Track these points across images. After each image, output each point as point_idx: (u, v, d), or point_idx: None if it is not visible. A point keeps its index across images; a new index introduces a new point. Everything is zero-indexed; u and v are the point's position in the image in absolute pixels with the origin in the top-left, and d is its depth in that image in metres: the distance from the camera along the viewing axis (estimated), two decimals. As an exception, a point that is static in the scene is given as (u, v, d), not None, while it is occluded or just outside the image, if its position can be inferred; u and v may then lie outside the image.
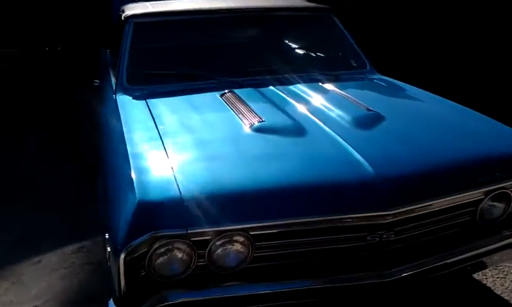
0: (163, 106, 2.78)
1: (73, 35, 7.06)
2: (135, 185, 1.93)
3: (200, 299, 1.89)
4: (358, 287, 2.00)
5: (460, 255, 2.19)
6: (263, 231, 1.92)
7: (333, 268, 2.04)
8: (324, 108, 2.64)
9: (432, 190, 2.06)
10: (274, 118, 2.49)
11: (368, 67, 3.58)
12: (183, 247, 1.85)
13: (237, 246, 1.91)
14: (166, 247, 1.83)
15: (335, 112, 2.57)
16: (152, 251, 1.80)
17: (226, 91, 2.90)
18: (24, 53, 6.97)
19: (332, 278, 1.99)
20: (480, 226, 2.26)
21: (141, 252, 1.79)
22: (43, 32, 7.07)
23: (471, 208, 2.20)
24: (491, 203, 2.23)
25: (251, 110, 2.56)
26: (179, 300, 1.84)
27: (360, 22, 6.26)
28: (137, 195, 1.86)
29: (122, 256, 1.74)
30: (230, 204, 1.90)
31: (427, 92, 3.10)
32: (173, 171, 2.01)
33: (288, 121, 2.45)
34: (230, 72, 3.24)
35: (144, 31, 3.40)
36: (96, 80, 3.97)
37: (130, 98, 2.95)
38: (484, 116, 2.66)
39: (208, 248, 1.86)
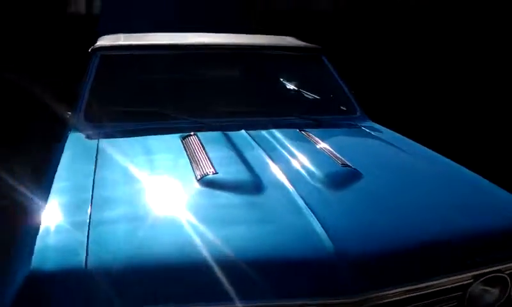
0: (114, 149, 2.45)
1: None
2: (35, 248, 1.58)
3: None
4: None
5: None
6: None
7: None
8: (293, 161, 2.29)
9: (407, 274, 1.67)
10: (231, 170, 2.14)
11: (358, 113, 3.24)
12: None
13: None
14: None
15: (304, 167, 2.21)
16: None
17: (189, 134, 2.57)
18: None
19: None
20: None
21: None
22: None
23: (458, 293, 1.80)
24: (482, 288, 1.83)
25: (208, 159, 2.22)
26: None
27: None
28: (32, 262, 1.51)
29: None
30: (147, 284, 1.54)
31: (421, 146, 2.72)
32: (87, 235, 1.66)
33: (246, 176, 2.09)
34: (202, 112, 2.92)
35: (112, 64, 3.13)
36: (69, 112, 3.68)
37: (83, 136, 2.64)
38: (481, 179, 2.28)
39: None
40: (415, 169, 2.39)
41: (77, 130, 2.72)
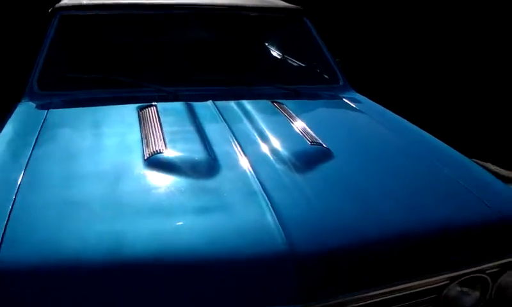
0: (61, 123, 2.23)
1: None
2: None
3: None
4: None
5: None
6: None
7: None
8: (258, 137, 2.05)
9: (369, 278, 1.45)
10: (184, 148, 1.90)
11: (341, 82, 2.98)
12: None
13: None
14: None
15: (269, 145, 1.97)
16: None
17: (148, 104, 2.33)
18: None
19: None
20: None
21: None
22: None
23: (431, 296, 1.59)
24: (459, 289, 1.61)
25: (162, 135, 1.98)
26: None
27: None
28: None
29: None
30: (61, 284, 1.32)
31: (406, 122, 2.47)
32: (7, 220, 1.44)
33: (200, 155, 1.85)
34: (167, 80, 2.67)
35: (72, 26, 2.85)
36: None
37: (33, 106, 2.40)
38: (471, 163, 2.04)
39: None
40: (393, 150, 2.14)
41: (29, 99, 2.49)
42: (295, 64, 3.18)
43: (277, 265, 1.37)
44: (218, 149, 1.92)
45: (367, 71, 5.53)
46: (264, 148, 1.94)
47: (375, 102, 2.80)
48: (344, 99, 2.77)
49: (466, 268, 1.56)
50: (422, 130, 2.36)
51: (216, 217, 1.52)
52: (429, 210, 1.66)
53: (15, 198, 1.56)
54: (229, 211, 1.55)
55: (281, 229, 1.44)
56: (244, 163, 1.81)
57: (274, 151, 1.91)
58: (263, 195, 1.59)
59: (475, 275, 1.58)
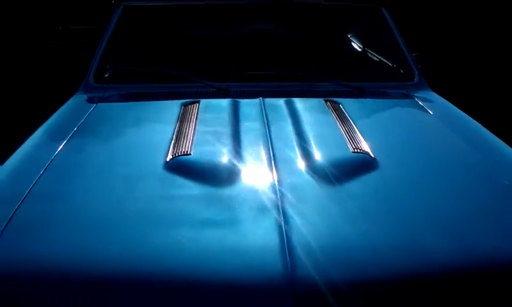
0: (105, 116, 2.20)
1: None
2: None
3: None
4: None
5: None
6: None
7: None
8: (296, 140, 1.85)
9: None
10: (210, 151, 1.76)
11: (416, 79, 2.65)
12: None
13: None
14: None
15: (305, 150, 1.76)
16: None
17: (193, 100, 2.23)
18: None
19: None
20: None
21: None
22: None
23: None
24: None
25: (192, 134, 1.86)
26: None
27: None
28: None
29: None
30: (46, 291, 1.24)
31: (484, 130, 2.10)
32: (7, 221, 1.39)
33: (224, 160, 1.70)
34: (223, 75, 2.54)
35: (133, 18, 2.83)
36: None
37: (85, 99, 2.41)
38: None
39: None
40: (459, 165, 1.80)
41: (83, 91, 2.50)
42: (365, 59, 2.90)
43: (273, 297, 1.17)
44: (248, 154, 1.75)
45: (447, 69, 5.02)
46: (299, 155, 1.74)
47: (453, 104, 2.45)
48: (416, 99, 2.45)
49: None
50: (502, 142, 1.99)
51: (219, 233, 1.36)
52: (476, 240, 1.35)
53: (27, 193, 1.52)
54: (234, 227, 1.38)
55: (287, 256, 1.23)
56: (270, 172, 1.62)
57: (308, 158, 1.70)
58: (279, 213, 1.39)
59: None
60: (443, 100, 2.50)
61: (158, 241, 1.32)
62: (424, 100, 2.44)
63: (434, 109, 2.33)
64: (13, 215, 1.41)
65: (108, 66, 2.64)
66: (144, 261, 1.26)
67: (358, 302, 1.21)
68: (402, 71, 2.72)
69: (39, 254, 1.30)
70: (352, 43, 2.98)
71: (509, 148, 1.94)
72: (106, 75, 2.60)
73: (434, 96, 2.53)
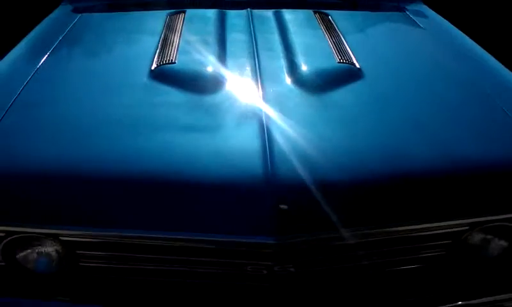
0: (87, 26, 2.17)
1: None
2: None
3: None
4: None
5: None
6: (81, 239, 1.28)
7: (199, 299, 1.37)
8: (281, 51, 1.85)
9: (357, 217, 1.26)
10: (194, 59, 1.75)
11: (409, -9, 2.59)
12: None
13: (45, 250, 1.32)
14: None
15: (290, 60, 1.76)
16: None
17: (178, 10, 2.19)
18: None
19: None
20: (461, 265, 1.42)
21: None
22: None
23: (445, 241, 1.37)
24: (482, 237, 1.38)
25: (177, 44, 1.85)
26: None
27: None
28: None
29: None
30: (32, 193, 1.28)
31: (471, 43, 2.10)
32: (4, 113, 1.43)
33: (209, 68, 1.70)
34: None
35: None
36: None
37: (70, 8, 2.35)
38: None
39: (0, 247, 1.28)
40: (442, 75, 1.80)
41: (68, 1, 2.44)
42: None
43: (254, 195, 1.23)
44: (233, 63, 1.74)
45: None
46: (284, 65, 1.74)
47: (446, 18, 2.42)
48: (408, 12, 2.42)
49: (488, 216, 1.31)
50: (489, 55, 1.98)
51: (202, 137, 1.39)
52: (455, 146, 1.39)
53: (17, 95, 1.54)
54: (219, 132, 1.41)
55: (268, 157, 1.27)
56: (254, 81, 1.63)
57: (293, 68, 1.70)
58: (262, 118, 1.41)
59: (501, 224, 1.33)
60: (435, 13, 2.46)
61: (142, 143, 1.36)
62: (415, 13, 2.41)
63: (424, 22, 2.31)
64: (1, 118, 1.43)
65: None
66: (129, 161, 1.30)
67: (338, 202, 1.25)
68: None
69: (24, 156, 1.33)
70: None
71: (495, 61, 1.94)
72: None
73: (426, 10, 2.49)
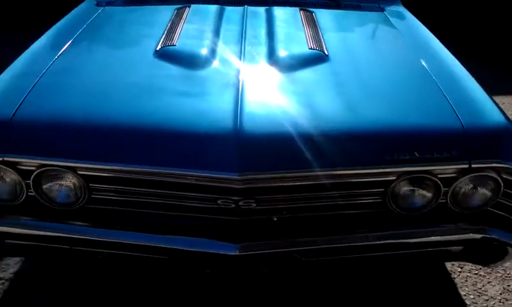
0: (108, 17, 2.58)
1: None
2: None
3: (12, 230, 1.75)
4: (194, 254, 1.71)
5: (354, 241, 1.76)
6: (94, 172, 1.68)
7: (185, 228, 1.75)
8: (264, 40, 2.24)
9: (305, 160, 1.62)
10: (191, 43, 2.15)
11: (392, -5, 2.95)
12: (6, 172, 1.70)
13: (67, 183, 1.71)
14: None
15: (270, 47, 2.15)
16: None
17: (184, 5, 2.59)
18: None
19: (168, 238, 1.72)
20: (396, 214, 1.77)
21: None
22: None
23: (378, 189, 1.73)
24: (409, 188, 1.73)
25: (179, 31, 2.25)
26: None
27: None
28: None
29: None
30: (59, 136, 1.68)
31: (433, 39, 2.44)
32: (29, 89, 1.83)
33: (202, 50, 2.10)
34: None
35: None
36: None
37: (93, 2, 2.77)
38: (468, 79, 2.03)
39: (32, 179, 1.69)
40: (396, 62, 2.18)
41: (92, -4, 2.86)
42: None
43: (226, 140, 1.60)
44: (222, 47, 2.14)
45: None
46: (263, 50, 2.12)
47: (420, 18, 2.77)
48: (385, 12, 2.77)
49: (412, 166, 1.66)
50: (446, 51, 2.32)
51: (190, 100, 1.78)
52: (389, 109, 1.78)
53: (46, 69, 1.95)
54: (204, 96, 1.81)
55: (238, 114, 1.66)
56: (238, 61, 2.02)
57: (271, 52, 2.09)
58: (239, 88, 1.80)
59: (423, 175, 1.67)
60: (410, 15, 2.81)
61: (144, 101, 1.77)
62: (392, 13, 2.76)
63: (397, 21, 2.66)
64: (36, 83, 1.85)
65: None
66: (134, 113, 1.71)
67: (290, 149, 1.61)
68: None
69: (54, 108, 1.74)
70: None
71: (450, 54, 2.28)
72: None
73: (404, 11, 2.84)
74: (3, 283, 2.33)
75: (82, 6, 2.75)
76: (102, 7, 2.68)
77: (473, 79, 2.04)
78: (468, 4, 5.91)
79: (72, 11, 2.67)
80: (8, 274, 2.37)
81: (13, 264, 2.43)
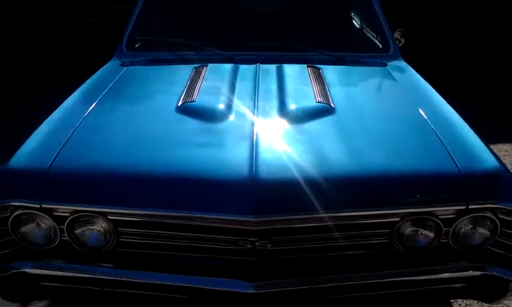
0: (133, 76, 2.82)
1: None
2: (19, 150, 1.99)
3: (46, 272, 1.90)
4: (219, 293, 1.85)
5: (364, 279, 1.89)
6: (123, 217, 1.85)
7: (205, 268, 1.90)
8: (276, 94, 2.44)
9: (316, 203, 1.78)
10: (209, 99, 2.36)
11: (391, 51, 3.18)
12: (41, 219, 1.87)
13: (97, 228, 1.88)
14: (25, 217, 1.86)
15: (281, 101, 2.35)
16: (12, 217, 1.85)
17: (202, 65, 2.82)
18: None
19: (189, 278, 1.86)
20: (401, 253, 1.91)
21: None
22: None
23: (384, 230, 1.87)
24: (413, 229, 1.87)
25: (199, 88, 2.47)
26: (23, 270, 1.88)
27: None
28: (10, 161, 1.92)
29: None
30: (91, 184, 1.86)
31: (432, 92, 2.62)
32: (64, 143, 2.03)
33: (220, 105, 2.30)
34: (230, 45, 3.12)
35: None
36: None
37: (118, 63, 3.02)
38: (463, 126, 2.21)
39: (66, 224, 1.86)
40: (397, 114, 2.37)
41: (117, 57, 3.11)
42: (349, 33, 3.43)
43: (243, 187, 1.78)
44: (238, 102, 2.34)
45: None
46: (275, 104, 2.32)
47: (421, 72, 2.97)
48: (387, 67, 2.98)
49: (414, 208, 1.81)
50: (443, 101, 2.49)
51: (210, 151, 1.97)
52: (391, 156, 1.96)
53: (77, 125, 2.16)
54: (222, 147, 2.01)
55: (253, 162, 1.84)
56: (252, 114, 2.21)
57: (282, 105, 2.29)
58: (254, 139, 1.99)
59: (425, 216, 1.83)
60: (411, 69, 3.01)
61: (168, 152, 1.97)
62: (393, 68, 2.97)
63: (398, 75, 2.87)
64: (69, 137, 2.05)
65: (137, 38, 3.24)
66: (158, 163, 1.90)
67: (303, 194, 1.77)
68: (380, 44, 3.24)
69: (87, 160, 1.93)
70: (339, 20, 3.49)
71: (446, 104, 2.46)
72: (136, 45, 3.21)
73: (405, 66, 3.05)
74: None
75: (108, 65, 2.99)
76: (126, 67, 2.92)
77: (468, 126, 2.21)
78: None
79: (99, 71, 2.91)
80: (36, 318, 2.51)
81: (40, 308, 2.58)
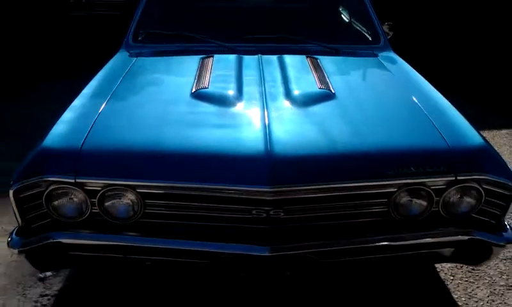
0: (144, 66, 2.99)
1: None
2: (50, 131, 2.17)
3: (80, 241, 2.09)
4: (237, 256, 2.07)
5: (365, 243, 2.12)
6: (150, 190, 2.05)
7: (224, 235, 2.10)
8: (280, 81, 2.65)
9: (323, 175, 2.01)
10: (221, 86, 2.56)
11: (381, 43, 3.42)
12: (74, 193, 2.05)
13: (126, 200, 2.07)
14: (59, 191, 2.04)
15: (285, 87, 2.57)
16: (47, 192, 2.03)
17: (209, 55, 3.02)
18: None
19: (213, 244, 2.07)
20: (398, 221, 2.15)
21: (32, 192, 2.02)
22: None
23: (383, 200, 2.10)
24: (408, 198, 2.11)
25: (209, 77, 2.66)
26: (59, 240, 2.06)
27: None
28: (44, 141, 2.10)
29: (11, 192, 2.00)
30: (121, 161, 2.06)
31: (420, 79, 2.88)
32: (91, 125, 2.21)
33: (231, 91, 2.50)
34: (232, 37, 3.32)
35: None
36: None
37: (127, 54, 3.20)
38: (450, 109, 2.46)
39: (97, 198, 2.05)
40: (391, 98, 2.62)
41: (124, 49, 3.29)
42: (343, 26, 3.67)
43: (258, 159, 1.99)
44: (247, 88, 2.55)
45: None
46: (281, 89, 2.54)
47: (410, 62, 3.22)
48: (378, 57, 3.22)
49: (409, 179, 2.05)
50: (431, 87, 2.75)
51: (227, 130, 2.18)
52: (388, 134, 2.20)
53: (100, 112, 2.34)
54: (238, 127, 2.21)
55: (267, 139, 2.05)
56: (261, 98, 2.43)
57: (287, 91, 2.51)
58: (265, 119, 2.21)
59: (419, 187, 2.06)
60: (401, 59, 3.26)
61: (185, 132, 2.17)
62: (384, 58, 3.22)
63: (389, 65, 3.11)
64: (95, 120, 2.24)
65: (142, 31, 3.42)
66: (185, 141, 2.11)
67: (311, 167, 2.00)
68: (371, 36, 3.48)
69: (119, 138, 2.14)
70: (334, 15, 3.73)
71: (435, 91, 2.71)
72: (141, 37, 3.39)
73: (394, 56, 3.30)
74: (49, 299, 2.65)
75: (117, 56, 3.17)
76: (136, 58, 3.10)
77: (454, 108, 2.47)
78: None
79: (109, 62, 3.08)
80: (53, 291, 2.69)
81: (56, 283, 2.76)
